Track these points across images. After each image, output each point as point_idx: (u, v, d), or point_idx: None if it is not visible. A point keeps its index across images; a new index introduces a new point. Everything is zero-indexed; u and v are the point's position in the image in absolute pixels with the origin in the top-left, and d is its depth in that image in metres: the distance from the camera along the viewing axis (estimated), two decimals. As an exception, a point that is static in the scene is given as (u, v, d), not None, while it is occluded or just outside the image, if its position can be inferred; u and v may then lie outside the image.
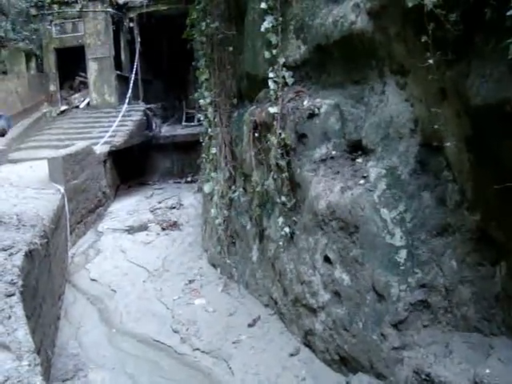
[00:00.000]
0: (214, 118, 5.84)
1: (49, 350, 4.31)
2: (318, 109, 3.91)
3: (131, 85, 13.85)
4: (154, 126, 13.68)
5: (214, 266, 6.36)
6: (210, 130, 6.07)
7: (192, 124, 14.22)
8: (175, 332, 4.91)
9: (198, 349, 4.57)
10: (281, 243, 4.37)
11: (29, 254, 3.87)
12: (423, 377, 3.22)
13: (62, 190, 7.17)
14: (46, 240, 4.53)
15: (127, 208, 10.06)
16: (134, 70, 14.27)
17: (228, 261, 5.81)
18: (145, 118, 13.31)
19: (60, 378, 4.12)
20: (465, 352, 3.21)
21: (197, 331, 4.87)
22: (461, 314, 3.29)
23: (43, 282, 4.46)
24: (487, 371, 2.98)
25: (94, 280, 6.45)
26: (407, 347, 3.38)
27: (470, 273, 3.21)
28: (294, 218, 4.21)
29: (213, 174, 5.98)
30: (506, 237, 2.89)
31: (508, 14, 2.27)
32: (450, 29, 2.72)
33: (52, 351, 4.45)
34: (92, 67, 14.00)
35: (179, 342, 4.73)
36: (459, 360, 3.16)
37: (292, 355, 4.21)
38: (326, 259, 3.83)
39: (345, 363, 3.86)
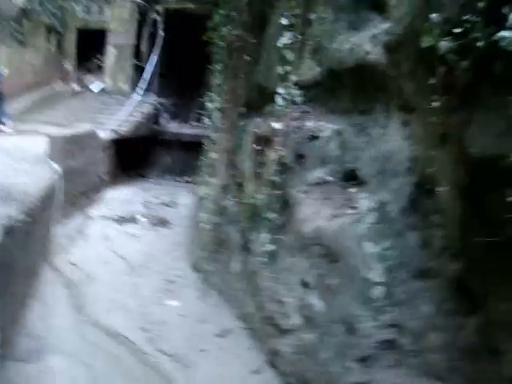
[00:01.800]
0: (220, 124, 5.84)
1: (14, 328, 4.26)
2: (321, 132, 3.90)
3: (147, 77, 13.87)
4: (162, 121, 13.69)
5: (196, 270, 6.33)
6: (213, 134, 6.06)
7: (200, 125, 14.23)
8: (143, 330, 4.86)
9: (162, 351, 4.51)
10: (263, 259, 4.34)
11: (8, 230, 3.83)
12: (383, 418, 3.19)
13: (59, 170, 7.13)
14: (30, 217, 4.49)
15: (122, 198, 10.02)
16: (153, 62, 14.29)
17: (210, 267, 5.78)
18: (155, 111, 13.32)
19: (17, 358, 4.06)
20: (427, 399, 3.18)
21: (165, 333, 4.82)
22: (428, 361, 3.24)
23: (21, 260, 4.42)
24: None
25: (73, 264, 6.40)
26: (369, 384, 3.35)
27: (443, 320, 3.18)
28: (279, 237, 4.19)
29: (209, 179, 5.97)
30: (483, 290, 2.87)
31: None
32: (460, 75, 2.71)
33: (18, 331, 4.40)
34: (111, 53, 14.05)
35: (145, 340, 4.68)
36: (420, 406, 3.13)
37: (255, 373, 4.17)
38: (304, 283, 3.80)
39: (308, 389, 3.82)
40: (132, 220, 8.56)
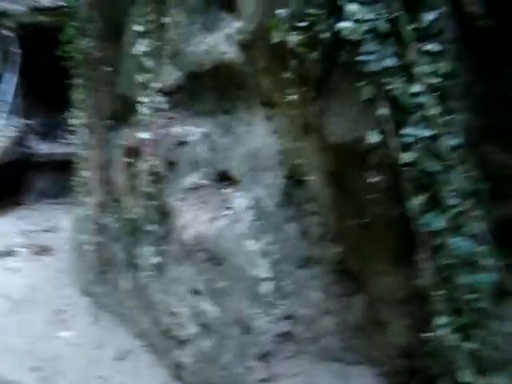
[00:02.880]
0: (88, 140, 5.59)
1: None
2: (189, 137, 3.85)
3: (8, 99, 12.96)
4: (31, 143, 12.88)
5: (85, 294, 6.01)
6: (83, 151, 5.79)
7: (71, 143, 13.59)
8: (35, 370, 4.51)
9: (59, 387, 4.24)
10: (150, 273, 4.22)
11: None
12: (288, 408, 3.23)
13: None
14: None
15: (-4, 230, 9.28)
16: (11, 82, 13.37)
17: (99, 290, 5.52)
18: (22, 134, 12.49)
19: None
20: (328, 382, 3.26)
21: (60, 368, 4.52)
22: (324, 345, 3.34)
23: None
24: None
25: None
26: (272, 379, 3.37)
27: (332, 304, 3.29)
28: (163, 248, 4.09)
29: (85, 198, 5.70)
30: (363, 270, 3.01)
31: (358, 59, 2.40)
32: (312, 67, 2.80)
33: None
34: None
35: (38, 380, 4.36)
36: (321, 390, 3.21)
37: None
38: (195, 291, 3.74)
39: (215, 397, 3.78)
40: (10, 253, 7.94)
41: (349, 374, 3.26)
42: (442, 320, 2.49)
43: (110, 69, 5.31)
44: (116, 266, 5.30)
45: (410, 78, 2.56)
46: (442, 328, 2.49)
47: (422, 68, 2.55)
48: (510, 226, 2.76)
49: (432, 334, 2.54)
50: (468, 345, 2.45)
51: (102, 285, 5.55)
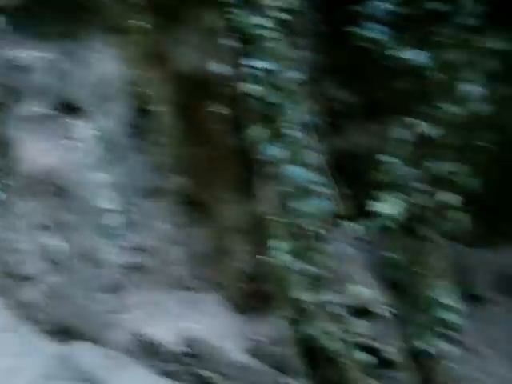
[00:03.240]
0: None
1: None
2: (32, 62, 3.58)
3: None
4: None
5: None
6: None
7: None
8: None
9: None
10: (-8, 209, 3.96)
11: None
12: (140, 338, 3.28)
13: None
14: None
15: None
16: None
17: None
18: None
19: None
20: (177, 310, 3.36)
21: None
22: (173, 274, 3.42)
23: None
24: (197, 326, 3.18)
25: None
26: (123, 310, 3.40)
27: (180, 234, 3.35)
28: (5, 182, 3.84)
29: None
30: (207, 200, 3.09)
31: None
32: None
33: None
34: None
35: None
36: (171, 318, 3.30)
37: (4, 331, 3.88)
38: (40, 226, 3.59)
39: (67, 332, 3.72)
40: None
41: (197, 300, 3.39)
42: (278, 244, 2.66)
43: None
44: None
45: (256, 11, 2.59)
46: (278, 251, 2.66)
47: (267, 1, 2.59)
48: (344, 158, 2.98)
49: (269, 257, 2.71)
50: (299, 265, 2.65)
51: None
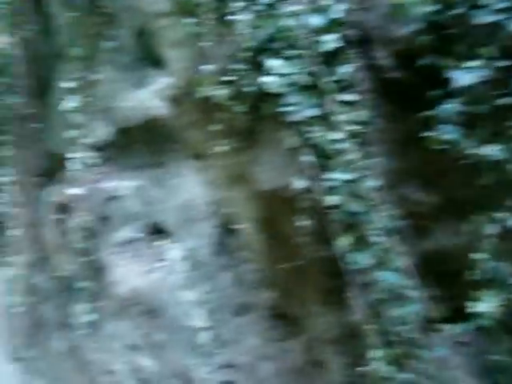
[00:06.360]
0: (17, 198, 5.44)
1: None
2: (122, 191, 3.86)
3: None
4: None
5: (14, 361, 5.69)
6: (12, 209, 5.62)
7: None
8: None
9: None
10: (84, 331, 4.10)
11: None
12: None
13: None
14: None
15: None
16: None
17: (30, 354, 5.26)
18: None
19: None
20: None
21: None
22: (264, 391, 3.35)
23: None
24: None
25: None
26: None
27: (270, 349, 3.32)
28: (98, 304, 4.00)
29: (14, 258, 5.49)
30: (300, 312, 3.08)
31: (279, 110, 2.56)
32: (239, 119, 2.94)
33: None
34: None
35: None
36: None
37: None
38: (132, 346, 3.67)
39: None
40: None
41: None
42: (376, 353, 2.58)
43: (38, 125, 5.26)
44: (48, 328, 5.09)
45: (330, 127, 2.73)
46: (376, 361, 2.57)
47: (340, 116, 2.73)
48: (430, 259, 2.94)
49: (367, 368, 2.62)
50: (402, 375, 2.54)
51: (32, 349, 5.28)
